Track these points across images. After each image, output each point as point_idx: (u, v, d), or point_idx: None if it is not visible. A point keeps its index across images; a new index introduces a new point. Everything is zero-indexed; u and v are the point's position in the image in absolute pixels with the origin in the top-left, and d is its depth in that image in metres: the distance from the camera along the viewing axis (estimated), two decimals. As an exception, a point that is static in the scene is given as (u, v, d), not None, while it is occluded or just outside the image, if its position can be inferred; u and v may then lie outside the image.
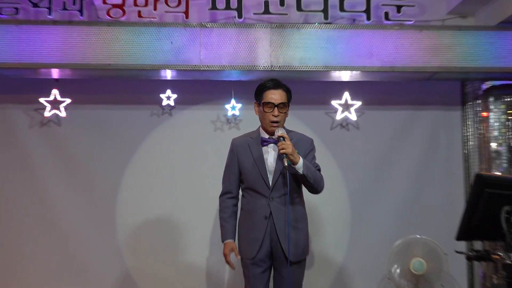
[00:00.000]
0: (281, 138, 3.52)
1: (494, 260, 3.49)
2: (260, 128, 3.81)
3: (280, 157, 3.58)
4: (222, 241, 3.75)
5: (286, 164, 3.48)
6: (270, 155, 3.72)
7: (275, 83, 3.73)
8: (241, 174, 3.78)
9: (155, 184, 5.16)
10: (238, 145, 3.81)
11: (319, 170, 3.74)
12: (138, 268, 5.09)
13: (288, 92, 3.75)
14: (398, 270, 4.71)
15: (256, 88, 3.78)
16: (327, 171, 3.86)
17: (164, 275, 5.07)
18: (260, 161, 3.70)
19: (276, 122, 3.66)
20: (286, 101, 3.71)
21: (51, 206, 5.07)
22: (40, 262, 5.01)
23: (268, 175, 3.67)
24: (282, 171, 3.59)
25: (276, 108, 3.66)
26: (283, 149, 3.46)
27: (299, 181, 3.68)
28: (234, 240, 3.74)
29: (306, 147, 3.77)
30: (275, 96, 3.68)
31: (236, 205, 3.81)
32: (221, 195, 3.84)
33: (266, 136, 3.74)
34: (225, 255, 3.70)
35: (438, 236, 4.68)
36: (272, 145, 3.70)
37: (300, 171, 3.53)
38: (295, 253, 3.62)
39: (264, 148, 3.73)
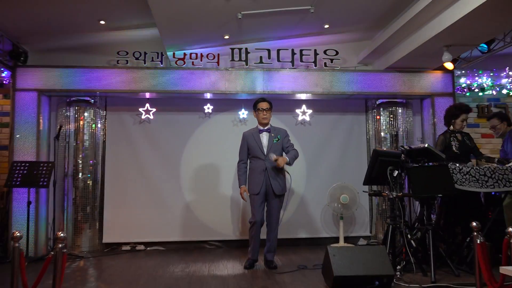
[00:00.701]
0: (275, 161, 3.55)
1: (383, 196, 3.53)
2: (258, 124, 3.80)
3: (270, 143, 3.64)
4: (239, 186, 3.76)
5: (284, 168, 3.70)
6: (263, 138, 3.72)
7: (263, 99, 3.79)
8: (248, 150, 3.76)
9: (201, 154, 5.06)
10: (246, 135, 3.80)
11: (292, 145, 3.76)
12: (193, 200, 5.01)
13: (270, 103, 3.77)
14: (334, 203, 4.74)
15: (254, 103, 3.81)
16: (293, 148, 3.83)
17: (207, 204, 5.00)
18: (259, 142, 3.70)
19: (265, 118, 3.71)
20: (269, 107, 3.74)
21: (144, 166, 4.95)
22: (136, 197, 4.91)
23: (263, 149, 3.68)
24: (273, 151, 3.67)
25: (264, 111, 3.70)
26: (279, 165, 3.56)
27: (281, 153, 3.70)
28: (245, 185, 3.74)
29: (284, 135, 3.79)
30: (263, 105, 3.72)
31: (246, 166, 3.79)
32: (238, 162, 3.82)
33: (261, 128, 3.75)
34: (241, 194, 3.72)
35: (354, 182, 4.69)
36: (264, 132, 3.72)
37: (290, 163, 3.65)
38: (279, 190, 3.65)
39: (260, 135, 3.73)
